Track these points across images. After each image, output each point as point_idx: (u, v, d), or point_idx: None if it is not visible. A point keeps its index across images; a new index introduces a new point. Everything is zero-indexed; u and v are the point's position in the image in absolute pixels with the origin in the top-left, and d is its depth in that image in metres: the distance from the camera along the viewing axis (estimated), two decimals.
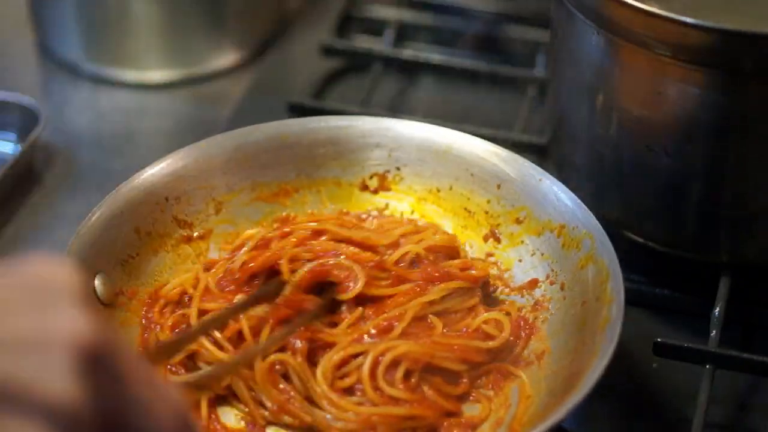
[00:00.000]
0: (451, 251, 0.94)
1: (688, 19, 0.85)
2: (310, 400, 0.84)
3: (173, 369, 0.86)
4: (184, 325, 0.89)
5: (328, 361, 0.84)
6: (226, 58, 1.28)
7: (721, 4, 0.91)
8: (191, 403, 0.82)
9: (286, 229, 0.93)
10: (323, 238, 0.92)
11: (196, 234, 0.97)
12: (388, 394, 0.83)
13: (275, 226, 0.97)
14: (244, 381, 0.85)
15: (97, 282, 0.88)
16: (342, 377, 0.84)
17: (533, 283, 0.93)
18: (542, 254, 0.94)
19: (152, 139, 1.21)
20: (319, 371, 0.84)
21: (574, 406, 0.77)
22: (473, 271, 0.92)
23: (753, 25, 0.86)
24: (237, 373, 0.85)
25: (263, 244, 0.92)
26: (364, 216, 0.99)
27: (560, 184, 0.94)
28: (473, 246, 0.97)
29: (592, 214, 0.91)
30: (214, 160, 0.98)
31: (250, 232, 0.97)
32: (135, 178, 0.94)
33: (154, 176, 0.95)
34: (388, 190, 1.01)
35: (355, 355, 0.85)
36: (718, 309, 0.96)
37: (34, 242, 1.09)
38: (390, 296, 0.89)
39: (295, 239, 0.92)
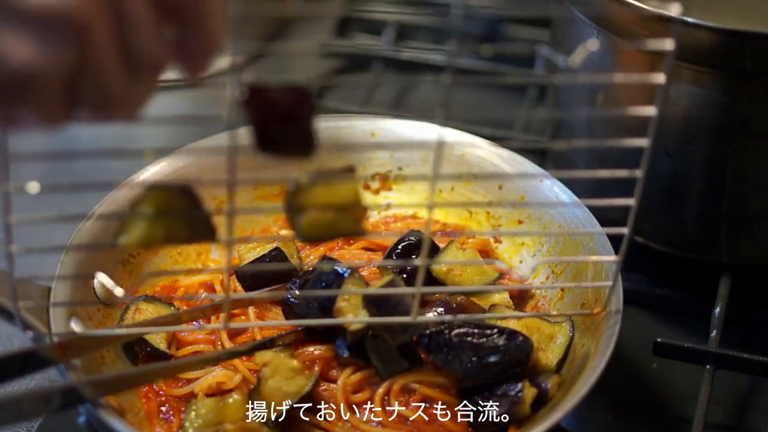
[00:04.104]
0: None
1: (689, 19, 0.85)
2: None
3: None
4: None
5: (347, 376, 0.83)
6: (225, 58, 1.28)
7: (721, 4, 0.91)
8: None
9: None
10: (354, 245, 0.92)
11: None
12: (397, 412, 0.82)
13: None
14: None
15: (96, 281, 0.88)
16: (355, 392, 0.83)
17: (533, 284, 0.93)
18: (542, 255, 0.94)
19: (152, 139, 1.21)
20: (339, 384, 0.83)
21: (573, 406, 0.77)
22: (508, 281, 0.92)
23: (753, 25, 0.86)
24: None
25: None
26: (389, 220, 0.99)
27: (561, 184, 0.94)
28: None
29: (592, 215, 0.91)
30: (214, 160, 0.98)
31: (283, 232, 0.97)
32: (135, 177, 0.94)
33: (154, 176, 0.95)
34: (389, 189, 1.01)
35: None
36: (718, 309, 0.96)
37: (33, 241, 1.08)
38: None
39: (324, 248, 0.92)
